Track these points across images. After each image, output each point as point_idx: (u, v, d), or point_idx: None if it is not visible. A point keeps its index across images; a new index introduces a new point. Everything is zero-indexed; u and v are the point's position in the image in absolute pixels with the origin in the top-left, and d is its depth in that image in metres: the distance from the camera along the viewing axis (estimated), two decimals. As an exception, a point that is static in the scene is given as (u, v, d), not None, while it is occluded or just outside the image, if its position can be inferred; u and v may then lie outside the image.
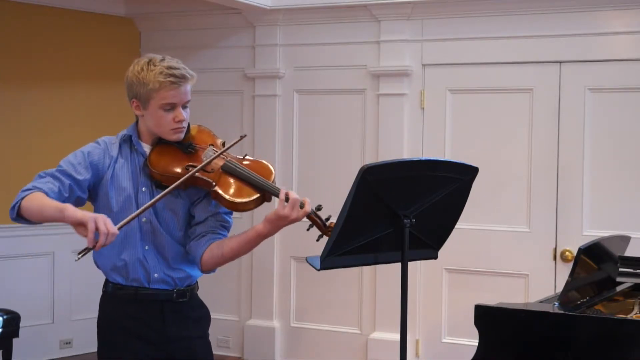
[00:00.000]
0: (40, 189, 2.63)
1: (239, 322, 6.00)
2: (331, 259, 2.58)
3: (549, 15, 5.08)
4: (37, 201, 2.60)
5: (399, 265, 2.69)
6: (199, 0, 5.68)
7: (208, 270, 2.81)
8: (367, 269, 5.50)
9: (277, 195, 2.68)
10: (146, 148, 2.79)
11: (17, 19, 5.78)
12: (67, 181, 2.69)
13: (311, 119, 5.78)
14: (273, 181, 2.76)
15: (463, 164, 2.75)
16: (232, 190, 2.72)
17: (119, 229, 2.52)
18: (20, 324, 5.11)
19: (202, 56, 6.04)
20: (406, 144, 5.45)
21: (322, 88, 5.73)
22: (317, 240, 2.76)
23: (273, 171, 2.80)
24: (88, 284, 5.90)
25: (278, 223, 2.66)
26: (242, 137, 2.81)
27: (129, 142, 2.80)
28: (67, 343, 5.97)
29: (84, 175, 2.72)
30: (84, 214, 2.49)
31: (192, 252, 2.79)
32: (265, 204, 2.79)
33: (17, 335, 5.08)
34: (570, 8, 5.01)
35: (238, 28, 5.97)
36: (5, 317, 5.03)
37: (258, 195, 2.72)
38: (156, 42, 6.23)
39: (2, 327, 4.98)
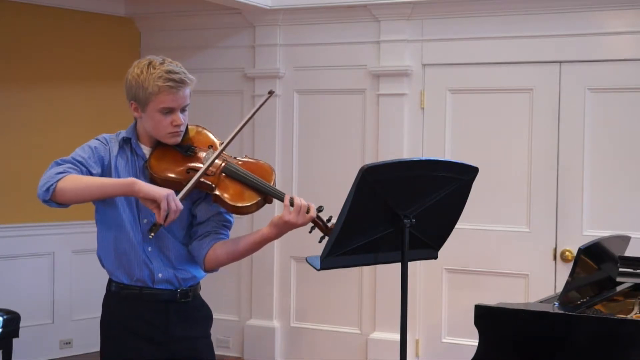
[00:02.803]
0: (70, 173, 2.62)
1: (239, 322, 6.00)
2: (331, 259, 2.58)
3: (549, 15, 5.08)
4: (82, 180, 2.61)
5: (399, 265, 2.68)
6: (199, 0, 5.68)
7: (211, 270, 2.82)
8: (367, 269, 5.49)
9: (281, 200, 2.69)
10: (146, 150, 2.79)
11: (17, 19, 5.77)
12: (84, 169, 2.69)
13: (311, 119, 5.77)
14: (274, 182, 2.78)
15: (463, 164, 2.75)
16: (233, 194, 2.72)
17: (181, 200, 2.61)
18: (20, 324, 5.11)
19: (202, 56, 6.04)
20: (406, 144, 5.45)
21: (322, 88, 5.72)
22: (320, 241, 2.75)
23: (273, 172, 2.82)
24: (88, 284, 5.91)
25: (283, 228, 2.68)
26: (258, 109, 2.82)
27: (128, 144, 2.79)
28: (67, 343, 5.97)
29: (95, 169, 2.72)
30: (155, 190, 2.57)
31: (194, 252, 2.80)
32: (267, 205, 2.79)
33: (17, 335, 5.07)
34: (570, 8, 5.01)
35: (238, 28, 5.97)
36: (5, 317, 5.02)
37: (259, 198, 2.74)
38: (156, 42, 6.22)
39: (2, 327, 4.98)
